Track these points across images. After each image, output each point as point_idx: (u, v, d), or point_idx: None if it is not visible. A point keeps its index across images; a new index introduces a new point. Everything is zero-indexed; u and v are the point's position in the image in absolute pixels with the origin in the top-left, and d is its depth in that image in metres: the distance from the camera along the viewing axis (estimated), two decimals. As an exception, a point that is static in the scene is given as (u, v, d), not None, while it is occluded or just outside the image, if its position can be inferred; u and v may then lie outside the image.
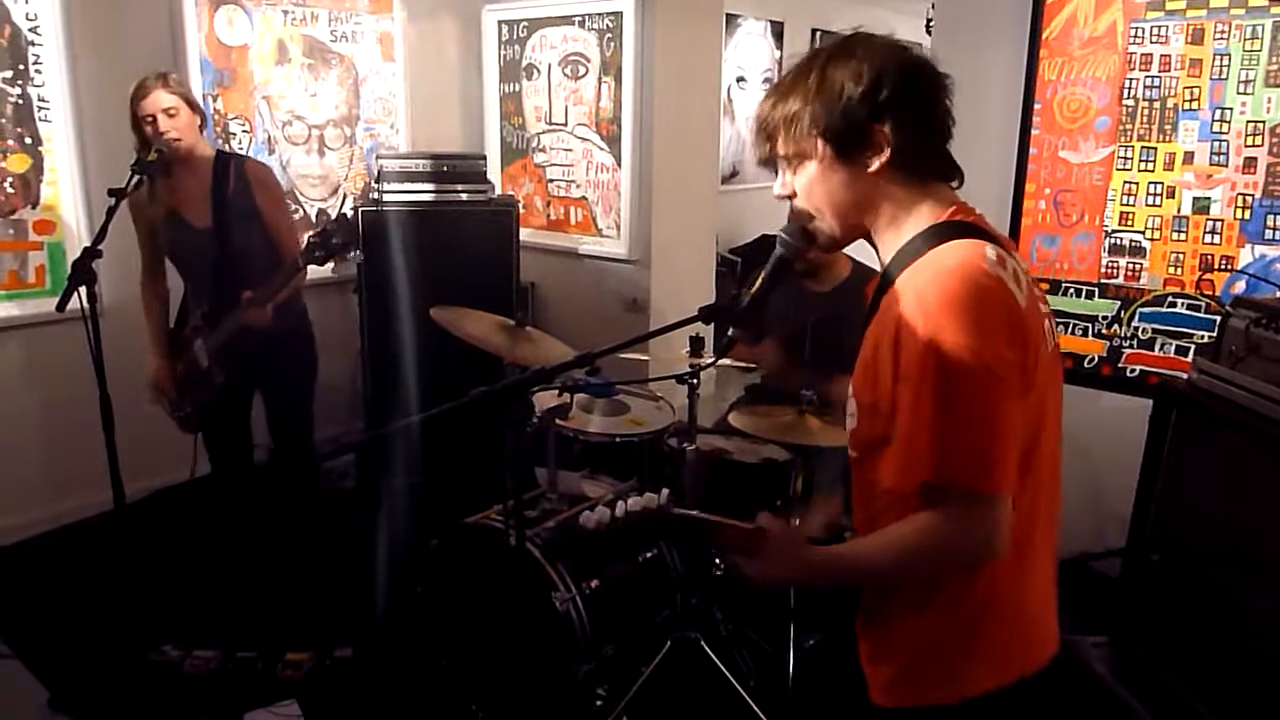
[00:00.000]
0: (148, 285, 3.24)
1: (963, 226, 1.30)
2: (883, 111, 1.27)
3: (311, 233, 2.84)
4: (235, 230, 3.09)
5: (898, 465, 1.24)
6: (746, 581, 1.38)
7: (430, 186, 4.25)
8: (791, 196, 1.39)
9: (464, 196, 4.30)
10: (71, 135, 3.69)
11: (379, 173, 4.30)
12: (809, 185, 1.35)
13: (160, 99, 2.92)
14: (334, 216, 2.97)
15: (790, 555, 1.36)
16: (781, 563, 1.37)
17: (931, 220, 1.31)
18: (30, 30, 3.57)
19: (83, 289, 2.52)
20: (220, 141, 4.18)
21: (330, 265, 2.90)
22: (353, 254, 2.88)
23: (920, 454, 1.20)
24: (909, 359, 1.21)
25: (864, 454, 1.37)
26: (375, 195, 4.24)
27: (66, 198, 3.74)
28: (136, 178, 2.79)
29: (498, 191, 4.70)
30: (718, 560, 2.72)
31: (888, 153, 1.29)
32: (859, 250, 1.57)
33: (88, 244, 2.59)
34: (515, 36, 4.95)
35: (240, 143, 4.28)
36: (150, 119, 2.92)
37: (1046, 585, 1.41)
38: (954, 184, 1.37)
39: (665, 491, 1.47)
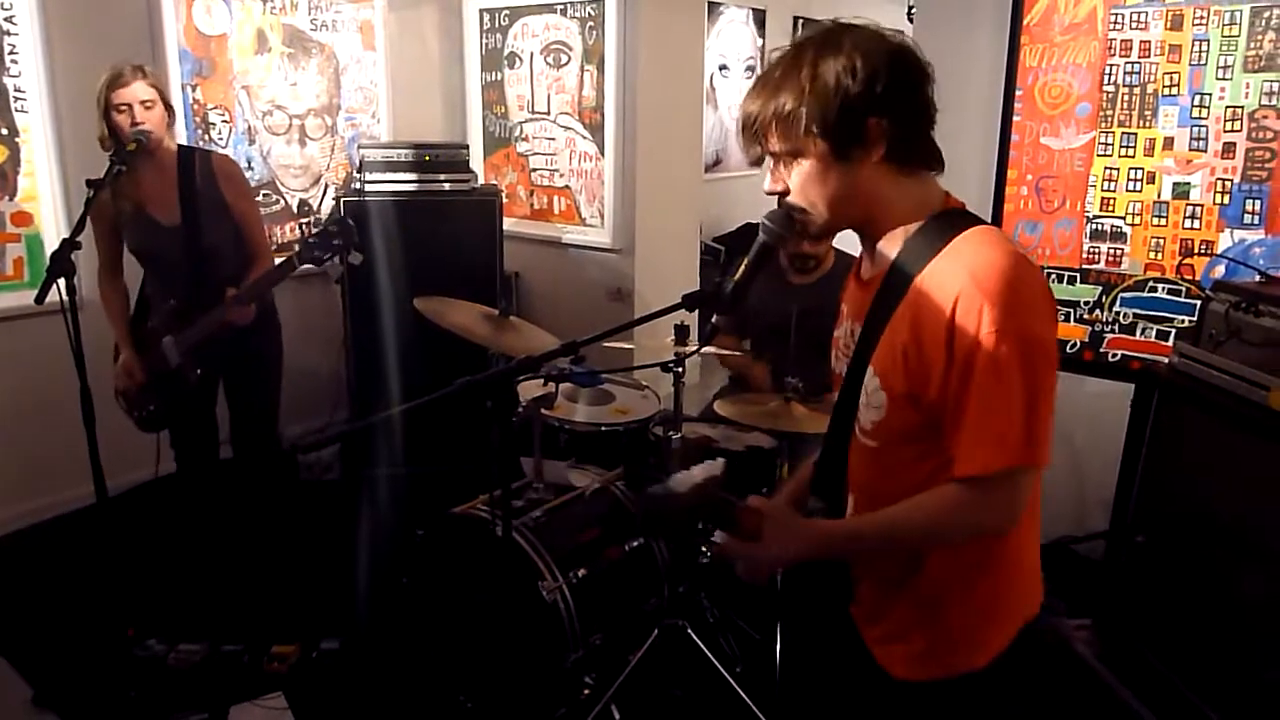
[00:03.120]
0: (107, 282, 3.18)
1: (966, 215, 1.33)
2: (878, 106, 1.26)
3: (310, 233, 2.82)
4: (205, 226, 3.06)
5: (973, 452, 1.24)
6: (747, 563, 1.38)
7: (413, 176, 4.23)
8: (785, 193, 1.37)
9: (447, 186, 4.28)
10: (48, 126, 3.65)
11: (361, 162, 4.27)
12: (804, 182, 1.33)
13: (139, 90, 2.89)
14: (333, 217, 2.92)
15: (792, 532, 1.37)
16: (784, 540, 1.36)
17: (930, 210, 1.33)
18: (6, 20, 3.52)
19: (61, 281, 2.49)
20: (200, 132, 4.15)
21: (326, 264, 2.86)
22: (351, 255, 2.85)
23: (991, 440, 1.23)
24: (970, 346, 1.22)
25: (889, 442, 1.36)
26: (357, 185, 4.23)
27: (44, 189, 3.70)
28: (116, 168, 2.76)
29: (481, 181, 4.69)
30: (704, 549, 2.73)
31: (883, 146, 1.29)
32: (845, 241, 1.57)
33: (66, 235, 2.56)
34: (497, 25, 4.93)
35: (220, 133, 4.24)
36: (125, 108, 2.88)
37: (1038, 536, 1.47)
38: (937, 171, 1.37)
39: (721, 461, 1.44)
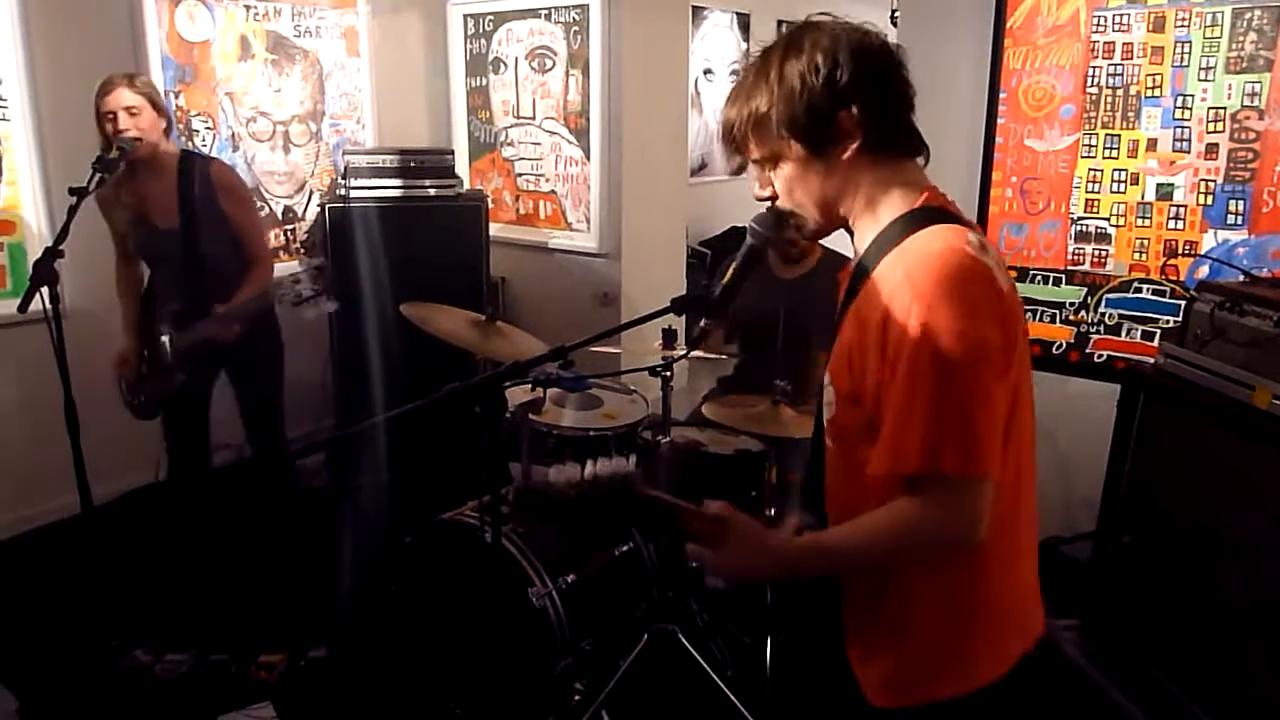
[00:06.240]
0: (121, 271, 3.27)
1: (938, 212, 1.29)
2: (846, 96, 1.26)
3: (292, 277, 2.91)
4: (202, 232, 3.09)
5: (888, 452, 1.21)
6: (712, 573, 1.33)
7: (398, 182, 4.22)
8: (773, 198, 1.37)
9: (432, 192, 4.28)
10: (31, 134, 3.62)
11: (346, 169, 4.26)
12: (788, 184, 1.34)
13: (123, 96, 2.91)
14: (311, 265, 2.99)
15: (756, 546, 1.31)
16: (747, 554, 1.31)
17: (906, 206, 1.30)
18: (-15, 27, 3.50)
19: (45, 290, 2.48)
20: (183, 139, 4.12)
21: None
22: (325, 303, 2.93)
23: (912, 440, 1.18)
24: (898, 344, 1.19)
25: (843, 442, 1.35)
26: (342, 191, 4.22)
27: (26, 197, 3.66)
28: (98, 176, 2.75)
29: (466, 186, 4.68)
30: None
31: (858, 137, 1.28)
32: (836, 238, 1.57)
33: (49, 244, 2.55)
34: (481, 30, 4.92)
35: (204, 140, 4.22)
36: (111, 116, 2.90)
37: (1032, 563, 1.41)
38: (921, 160, 1.36)
39: (634, 458, 1.42)
